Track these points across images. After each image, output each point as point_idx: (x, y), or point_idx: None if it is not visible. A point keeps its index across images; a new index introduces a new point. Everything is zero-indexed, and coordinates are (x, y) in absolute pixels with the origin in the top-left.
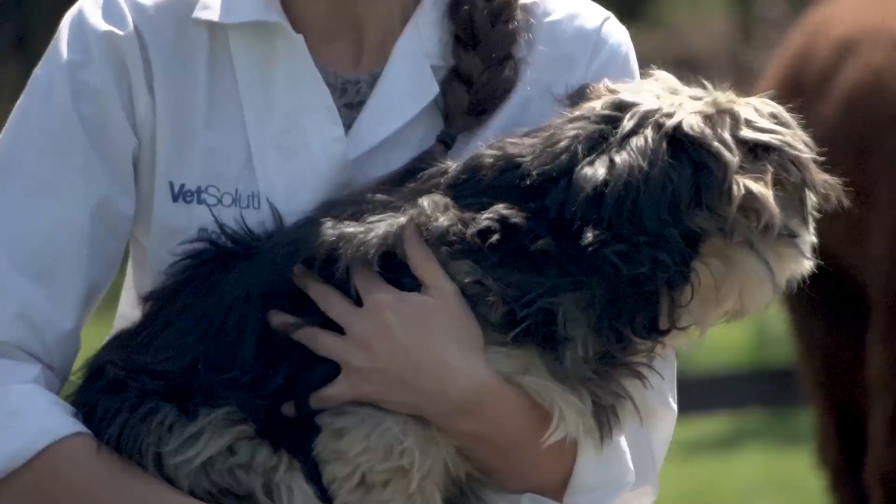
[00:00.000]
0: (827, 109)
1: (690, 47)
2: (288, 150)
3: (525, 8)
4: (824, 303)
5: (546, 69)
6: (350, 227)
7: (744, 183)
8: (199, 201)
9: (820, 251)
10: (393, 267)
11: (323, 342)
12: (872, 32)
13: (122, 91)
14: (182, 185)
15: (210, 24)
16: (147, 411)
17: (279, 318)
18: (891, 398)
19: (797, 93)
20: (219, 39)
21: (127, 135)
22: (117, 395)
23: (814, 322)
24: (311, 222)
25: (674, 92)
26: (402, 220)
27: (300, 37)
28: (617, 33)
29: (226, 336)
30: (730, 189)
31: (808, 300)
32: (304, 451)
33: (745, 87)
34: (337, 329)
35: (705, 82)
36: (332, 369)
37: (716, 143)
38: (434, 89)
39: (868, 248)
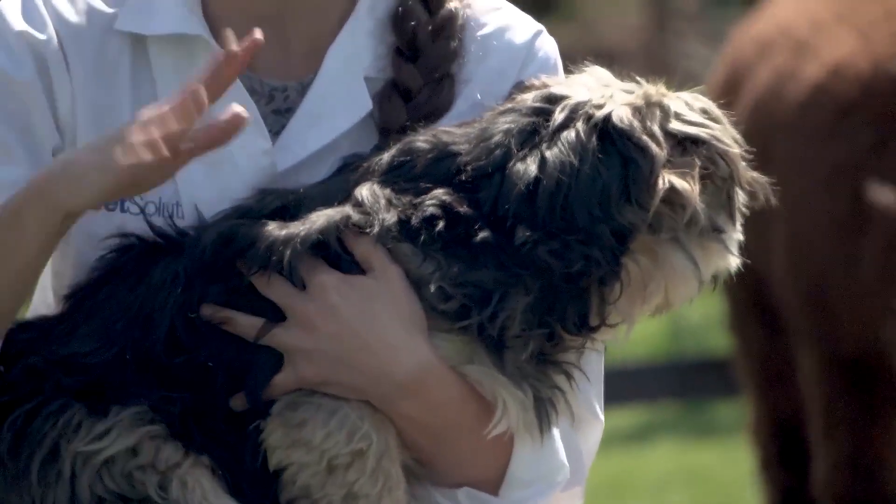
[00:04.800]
0: (739, 111)
1: (604, 40)
2: (212, 161)
3: (462, 25)
4: (757, 304)
5: (477, 84)
6: (288, 225)
7: (668, 177)
8: (123, 210)
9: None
10: (332, 256)
11: (262, 331)
12: (785, 32)
13: (46, 89)
14: None
15: (132, 36)
16: (56, 409)
17: (210, 310)
18: (821, 398)
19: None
20: (141, 50)
21: (51, 131)
22: (30, 384)
23: (749, 321)
24: (245, 213)
25: (606, 85)
26: (341, 212)
27: (222, 52)
28: (547, 46)
29: (153, 323)
30: (655, 183)
31: (744, 299)
32: (226, 443)
33: (659, 80)
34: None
35: (637, 78)
36: (271, 358)
37: (644, 137)
38: (367, 104)
39: (772, 262)
